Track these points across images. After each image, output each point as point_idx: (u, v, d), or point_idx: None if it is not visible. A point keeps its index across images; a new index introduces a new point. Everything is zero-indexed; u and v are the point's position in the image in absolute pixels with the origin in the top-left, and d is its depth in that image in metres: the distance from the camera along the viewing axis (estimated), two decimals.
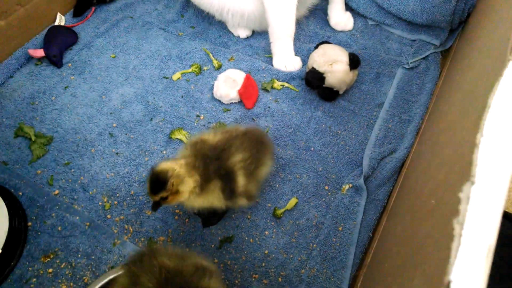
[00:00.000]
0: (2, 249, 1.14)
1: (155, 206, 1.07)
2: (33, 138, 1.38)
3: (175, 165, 1.04)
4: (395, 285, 0.71)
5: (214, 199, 1.11)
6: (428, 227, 0.65)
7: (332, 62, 1.47)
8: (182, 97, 1.54)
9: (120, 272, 1.09)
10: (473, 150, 0.48)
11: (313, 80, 1.50)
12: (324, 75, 1.48)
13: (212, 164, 1.08)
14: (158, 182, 1.02)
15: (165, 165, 1.04)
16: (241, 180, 1.12)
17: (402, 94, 1.57)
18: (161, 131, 1.45)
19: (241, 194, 1.13)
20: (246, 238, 1.24)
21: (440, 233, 0.54)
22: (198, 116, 1.49)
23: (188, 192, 1.06)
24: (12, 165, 1.34)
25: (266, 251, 1.22)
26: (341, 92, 1.53)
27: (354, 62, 1.48)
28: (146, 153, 1.39)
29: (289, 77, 1.60)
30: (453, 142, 0.71)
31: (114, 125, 1.45)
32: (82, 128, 1.43)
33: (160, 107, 1.51)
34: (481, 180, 0.45)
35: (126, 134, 1.43)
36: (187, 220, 1.26)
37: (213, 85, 1.56)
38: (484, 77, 0.73)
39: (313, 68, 1.50)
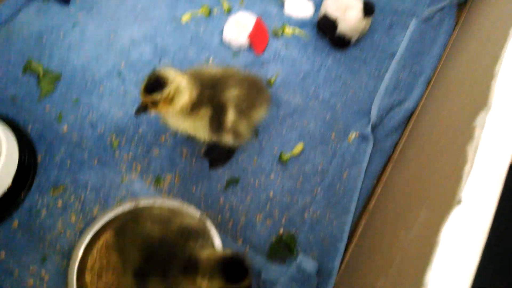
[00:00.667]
0: (12, 181, 1.17)
1: (141, 109, 1.03)
2: (41, 74, 1.37)
3: (179, 75, 1.02)
4: (400, 222, 0.72)
5: (200, 126, 1.10)
6: (438, 165, 0.65)
7: (345, 9, 1.44)
8: (191, 39, 1.51)
9: (128, 206, 1.12)
10: (491, 80, 0.48)
11: (325, 27, 1.47)
12: (337, 22, 1.44)
13: (206, 90, 1.07)
14: (157, 83, 0.99)
15: (170, 72, 1.01)
16: (230, 115, 1.11)
17: (414, 45, 1.54)
18: None
19: (229, 130, 1.13)
20: (252, 180, 1.26)
21: (450, 166, 0.54)
22: (207, 59, 1.47)
23: (180, 106, 1.04)
24: (21, 100, 1.34)
25: (271, 194, 1.24)
26: (353, 40, 1.50)
27: (368, 9, 1.44)
28: None
29: (301, 23, 1.57)
30: (469, 79, 0.71)
31: (123, 64, 1.44)
32: (90, 66, 1.42)
33: (169, 48, 1.49)
34: (497, 108, 0.45)
35: (134, 74, 1.42)
36: (194, 160, 1.28)
37: (223, 28, 1.53)
38: (503, 21, 0.71)
39: (325, 14, 1.46)
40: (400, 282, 0.50)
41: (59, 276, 1.09)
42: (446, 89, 1.17)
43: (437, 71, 1.47)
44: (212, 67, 1.16)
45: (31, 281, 1.08)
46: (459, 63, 1.19)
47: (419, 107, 1.36)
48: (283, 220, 1.20)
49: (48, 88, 1.35)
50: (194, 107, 1.07)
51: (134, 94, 1.38)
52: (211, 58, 1.48)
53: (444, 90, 1.20)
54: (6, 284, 1.08)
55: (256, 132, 1.33)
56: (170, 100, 1.02)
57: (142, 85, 1.01)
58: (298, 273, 1.08)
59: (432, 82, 1.44)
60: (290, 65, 1.48)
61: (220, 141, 1.16)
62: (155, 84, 0.99)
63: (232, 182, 1.25)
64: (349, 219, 1.19)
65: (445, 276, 0.40)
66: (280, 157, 1.29)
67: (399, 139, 1.34)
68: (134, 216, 0.93)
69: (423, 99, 1.39)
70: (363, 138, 1.31)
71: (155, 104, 1.02)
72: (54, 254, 1.12)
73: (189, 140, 1.30)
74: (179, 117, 1.09)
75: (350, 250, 1.14)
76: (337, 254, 1.14)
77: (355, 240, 1.15)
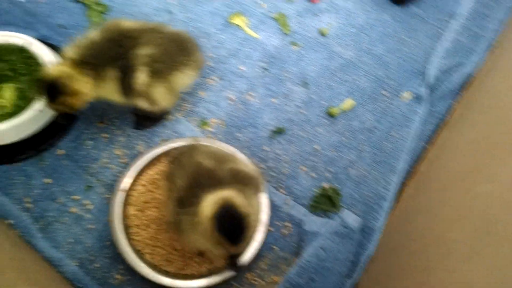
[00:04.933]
0: None
1: (62, 117, 1.07)
2: (91, 4, 1.34)
3: (62, 68, 0.99)
4: (472, 177, 0.69)
5: (110, 90, 1.03)
6: None
7: None
8: None
9: (172, 145, 1.11)
10: None
11: None
12: None
13: (112, 49, 0.99)
14: (54, 89, 0.98)
15: (53, 71, 0.99)
16: (141, 77, 1.01)
17: (477, 7, 1.45)
18: (220, 14, 1.38)
19: (141, 94, 1.03)
20: (298, 131, 1.23)
21: None
22: (259, 3, 1.41)
23: (86, 88, 1.00)
24: (70, 29, 1.31)
25: (316, 147, 1.21)
26: None
27: None
28: (203, 34, 1.34)
29: None
30: None
31: (172, 1, 1.39)
32: (139, 0, 1.38)
33: None
34: None
35: (184, 13, 1.38)
36: (240, 106, 1.25)
37: None
38: None
39: None
40: (488, 229, 0.47)
41: (102, 206, 1.10)
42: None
43: (500, 36, 1.39)
44: (132, 21, 1.06)
45: (74, 209, 1.09)
46: None
47: (480, 72, 1.30)
48: (327, 174, 1.18)
49: (96, 19, 1.32)
50: (96, 74, 1.00)
51: None
52: (262, 3, 1.42)
53: (509, 57, 1.14)
54: (50, 210, 1.09)
55: (305, 83, 1.29)
56: (74, 91, 0.99)
57: (45, 100, 1.01)
58: (340, 227, 1.06)
59: (494, 48, 1.36)
60: (344, 17, 1.41)
61: (134, 105, 1.07)
62: (52, 90, 0.98)
63: (278, 132, 1.22)
64: (396, 179, 1.16)
65: None
66: (328, 110, 1.25)
67: (453, 102, 1.28)
68: (190, 150, 0.91)
69: (484, 64, 1.32)
70: (416, 98, 1.26)
71: (66, 104, 1.01)
72: (98, 185, 1.12)
73: (236, 85, 1.27)
74: (92, 89, 1.02)
75: (396, 209, 1.12)
76: (381, 212, 1.11)
77: (402, 200, 1.12)
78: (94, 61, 0.99)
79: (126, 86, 1.02)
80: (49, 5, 1.35)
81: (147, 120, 1.19)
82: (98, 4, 1.34)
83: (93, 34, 1.01)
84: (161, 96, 1.06)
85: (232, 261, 0.80)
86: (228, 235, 0.76)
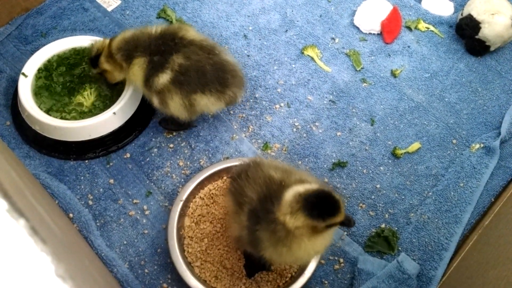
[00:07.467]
0: (132, 115, 1.20)
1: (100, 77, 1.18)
2: (174, 21, 1.40)
3: (103, 44, 1.11)
4: None
5: (135, 75, 1.07)
6: None
7: (495, 13, 1.33)
8: (320, 16, 1.48)
9: (234, 163, 1.11)
10: None
11: (467, 28, 1.37)
12: (481, 25, 1.34)
13: (157, 44, 1.05)
14: (92, 60, 1.12)
15: (97, 44, 1.12)
16: (162, 78, 1.05)
17: None
18: (294, 44, 1.41)
19: (155, 92, 1.07)
20: (360, 168, 1.21)
21: None
22: (333, 39, 1.43)
23: (116, 71, 1.12)
24: None
25: (378, 186, 1.18)
26: (492, 48, 1.39)
27: None
28: (276, 62, 1.37)
29: (437, 21, 1.48)
30: None
31: (250, 28, 1.44)
32: (219, 24, 1.44)
33: (297, 21, 1.46)
34: None
35: (259, 39, 1.42)
36: (304, 134, 1.25)
37: (354, 11, 1.48)
38: None
39: (470, 14, 1.37)
40: None
41: (159, 213, 1.12)
42: None
43: None
44: (198, 34, 1.11)
45: (132, 212, 1.11)
46: None
47: None
48: (387, 215, 1.14)
49: None
50: (128, 57, 1.07)
51: (256, 58, 1.38)
52: (337, 39, 1.43)
53: None
54: (110, 209, 1.12)
55: (372, 121, 1.28)
56: (104, 69, 1.12)
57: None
58: (397, 272, 1.02)
59: None
60: (418, 61, 1.40)
61: (151, 101, 1.11)
62: (92, 58, 1.12)
63: (340, 165, 1.21)
64: (459, 230, 1.11)
65: None
66: (394, 151, 1.23)
67: None
68: (255, 165, 0.91)
69: None
70: (487, 150, 1.21)
71: (105, 72, 1.13)
72: (158, 192, 1.14)
73: (302, 114, 1.28)
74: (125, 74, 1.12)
75: (456, 262, 1.06)
76: (441, 262, 1.06)
77: (463, 253, 1.07)
78: (131, 48, 1.07)
79: (148, 79, 1.06)
80: (135, 18, 1.43)
81: (172, 123, 1.21)
82: (181, 22, 1.41)
83: (155, 28, 1.10)
84: (175, 106, 1.08)
85: (345, 224, 0.81)
86: (328, 213, 0.76)
